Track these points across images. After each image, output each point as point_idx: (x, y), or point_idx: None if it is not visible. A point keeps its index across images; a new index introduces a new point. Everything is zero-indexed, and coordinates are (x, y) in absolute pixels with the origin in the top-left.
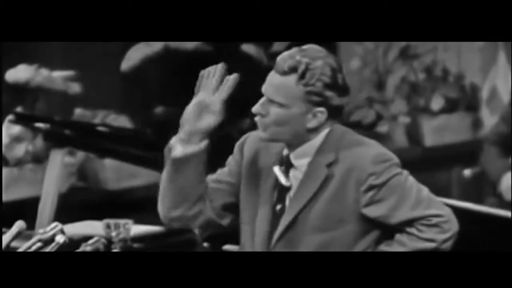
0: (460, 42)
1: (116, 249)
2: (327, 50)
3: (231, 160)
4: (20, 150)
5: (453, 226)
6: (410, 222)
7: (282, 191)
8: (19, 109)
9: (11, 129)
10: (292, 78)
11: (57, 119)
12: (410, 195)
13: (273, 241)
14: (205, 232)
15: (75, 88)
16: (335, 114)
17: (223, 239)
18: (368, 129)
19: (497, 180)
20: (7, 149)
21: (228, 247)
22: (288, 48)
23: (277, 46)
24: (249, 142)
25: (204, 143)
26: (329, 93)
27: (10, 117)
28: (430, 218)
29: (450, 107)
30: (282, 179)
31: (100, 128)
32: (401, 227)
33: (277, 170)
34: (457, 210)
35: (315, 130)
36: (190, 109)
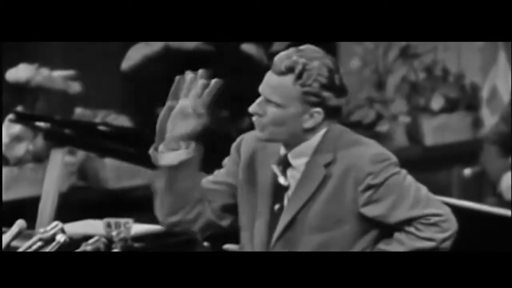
0: (460, 42)
1: (116, 248)
2: (327, 50)
3: (228, 161)
4: (20, 149)
5: (452, 225)
6: (409, 222)
7: (280, 190)
8: (19, 108)
9: (11, 128)
10: (289, 78)
11: (57, 118)
12: (409, 194)
13: (272, 241)
14: (205, 232)
15: (75, 87)
16: (332, 114)
17: (223, 239)
18: (368, 129)
19: (497, 179)
20: (8, 149)
21: (228, 246)
22: (288, 48)
23: (277, 46)
24: (245, 142)
25: (193, 147)
26: (326, 94)
27: (11, 116)
28: (429, 217)
29: (450, 106)
30: (281, 179)
31: (101, 128)
32: (400, 226)
33: (275, 169)
34: (457, 210)
35: (312, 130)
36: (173, 115)
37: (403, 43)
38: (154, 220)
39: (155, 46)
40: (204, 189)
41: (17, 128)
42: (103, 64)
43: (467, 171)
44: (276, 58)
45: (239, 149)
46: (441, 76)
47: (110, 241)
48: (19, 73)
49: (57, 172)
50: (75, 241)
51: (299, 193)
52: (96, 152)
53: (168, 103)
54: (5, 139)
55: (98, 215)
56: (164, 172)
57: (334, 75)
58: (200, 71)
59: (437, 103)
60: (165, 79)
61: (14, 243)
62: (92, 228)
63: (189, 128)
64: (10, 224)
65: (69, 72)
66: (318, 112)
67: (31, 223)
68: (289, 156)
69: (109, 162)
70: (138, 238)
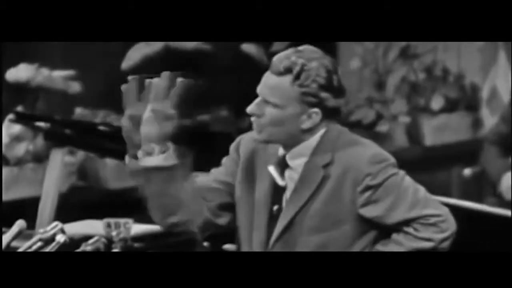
0: (460, 42)
1: (116, 249)
2: (327, 50)
3: (227, 160)
4: (20, 149)
5: (451, 225)
6: (407, 222)
7: (279, 191)
8: (19, 108)
9: (11, 128)
10: (287, 78)
11: (57, 118)
12: (407, 195)
13: (271, 242)
14: (205, 232)
15: (75, 87)
16: (331, 115)
17: (223, 239)
18: (368, 129)
19: (497, 180)
20: (8, 149)
21: (228, 246)
22: (288, 48)
23: (277, 46)
24: (244, 143)
25: (173, 149)
26: (324, 95)
27: (11, 116)
28: (427, 218)
29: (450, 106)
30: (278, 179)
31: (101, 128)
32: (398, 227)
33: (272, 170)
34: (457, 210)
35: (310, 130)
36: (144, 121)
37: (403, 43)
38: (153, 221)
39: (155, 46)
40: (199, 188)
41: (17, 128)
42: (103, 64)
43: (467, 171)
44: (275, 59)
45: (238, 149)
46: (441, 76)
47: (110, 241)
48: (19, 73)
49: (57, 172)
50: (75, 241)
51: (298, 194)
52: (96, 152)
53: (128, 112)
54: (5, 139)
55: (98, 215)
56: (149, 177)
57: (333, 76)
58: (163, 74)
59: (437, 103)
60: None
61: (14, 243)
62: (92, 228)
63: (162, 130)
64: (10, 224)
65: (69, 72)
66: (316, 113)
67: (31, 223)
68: (287, 157)
69: (109, 162)
70: (138, 238)
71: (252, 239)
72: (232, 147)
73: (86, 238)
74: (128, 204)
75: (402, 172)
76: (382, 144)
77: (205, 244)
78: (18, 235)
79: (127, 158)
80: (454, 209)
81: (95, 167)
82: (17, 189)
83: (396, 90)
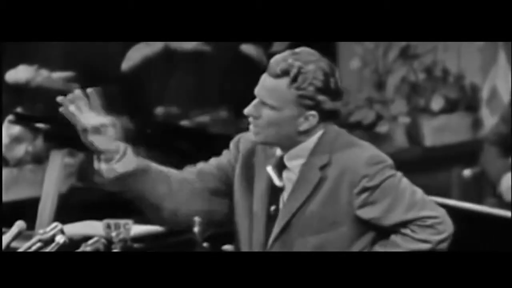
0: (460, 42)
1: (116, 249)
2: (327, 50)
3: (227, 153)
4: (20, 150)
5: (448, 227)
6: (405, 224)
7: (276, 192)
8: (19, 109)
9: (11, 129)
10: (284, 81)
11: (57, 119)
12: (404, 197)
13: (269, 243)
14: (205, 232)
15: (75, 88)
16: (328, 117)
17: (222, 240)
18: (368, 129)
19: (497, 180)
20: (7, 150)
21: (228, 247)
22: (287, 48)
23: (277, 46)
24: (243, 141)
25: (131, 151)
26: (321, 97)
27: (10, 117)
28: (424, 219)
29: (450, 107)
30: (276, 180)
31: None
32: (395, 228)
33: (270, 170)
34: (457, 211)
35: (307, 132)
36: (92, 138)
37: (403, 43)
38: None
39: (155, 46)
40: (187, 176)
41: (16, 129)
42: (103, 64)
43: (467, 172)
44: (272, 61)
45: (239, 146)
46: (441, 77)
47: (109, 242)
48: (18, 74)
49: (56, 173)
50: (74, 242)
51: (295, 196)
52: (95, 153)
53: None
54: (5, 140)
55: (98, 216)
56: (119, 184)
57: (330, 79)
58: (76, 90)
59: (437, 103)
60: (165, 79)
61: (13, 244)
62: (92, 229)
63: (112, 137)
64: (10, 225)
65: (69, 74)
66: (313, 115)
67: (31, 224)
68: (285, 158)
69: None
70: (138, 239)
71: (251, 240)
72: (233, 143)
73: (86, 238)
74: (128, 205)
75: (399, 174)
76: (382, 144)
77: (205, 244)
78: (18, 236)
79: (96, 163)
80: (454, 210)
81: (95, 168)
82: (17, 189)
83: (396, 91)
